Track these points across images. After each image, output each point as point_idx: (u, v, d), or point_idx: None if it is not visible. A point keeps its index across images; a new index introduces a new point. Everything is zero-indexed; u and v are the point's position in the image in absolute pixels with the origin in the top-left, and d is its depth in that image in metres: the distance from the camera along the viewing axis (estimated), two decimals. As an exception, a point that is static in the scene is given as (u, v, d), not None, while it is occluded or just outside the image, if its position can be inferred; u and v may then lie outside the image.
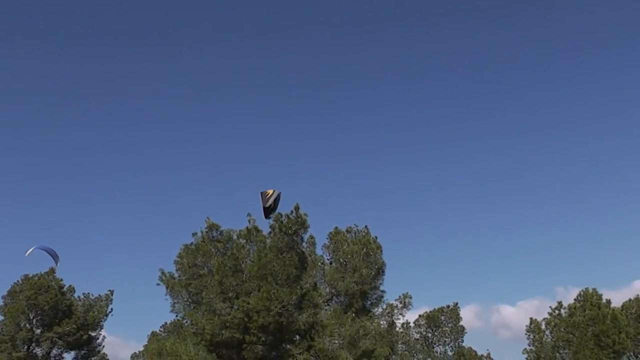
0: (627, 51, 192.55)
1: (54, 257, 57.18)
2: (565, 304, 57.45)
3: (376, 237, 43.66)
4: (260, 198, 35.96)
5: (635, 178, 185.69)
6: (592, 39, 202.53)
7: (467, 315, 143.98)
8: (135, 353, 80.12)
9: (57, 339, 57.38)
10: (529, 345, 57.91)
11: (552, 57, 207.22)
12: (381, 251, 42.77)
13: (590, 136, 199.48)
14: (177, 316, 42.06)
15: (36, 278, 57.37)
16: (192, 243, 37.73)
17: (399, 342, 67.66)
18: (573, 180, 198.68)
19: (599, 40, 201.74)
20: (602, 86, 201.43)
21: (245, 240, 37.19)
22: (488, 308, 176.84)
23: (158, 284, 38.27)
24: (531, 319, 58.67)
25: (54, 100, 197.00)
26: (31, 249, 55.76)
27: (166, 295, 38.38)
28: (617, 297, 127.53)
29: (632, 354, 57.54)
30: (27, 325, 57.08)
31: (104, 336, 63.14)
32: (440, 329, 73.41)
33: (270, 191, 35.33)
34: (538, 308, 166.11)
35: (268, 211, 37.46)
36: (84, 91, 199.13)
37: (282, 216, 36.59)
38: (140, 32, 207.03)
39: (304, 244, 39.23)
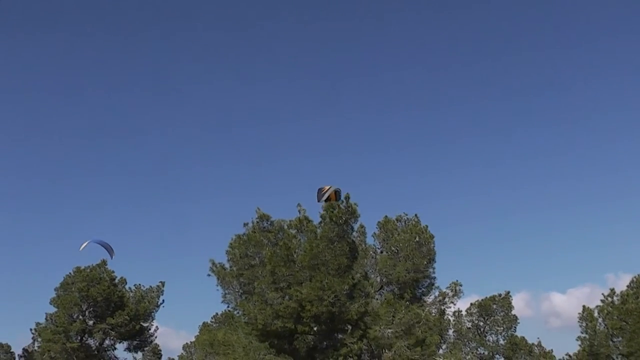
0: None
1: (109, 250, 57.69)
2: (617, 291, 56.70)
3: (427, 226, 43.61)
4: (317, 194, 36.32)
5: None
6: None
7: (517, 304, 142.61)
8: (187, 343, 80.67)
9: (109, 330, 58.03)
10: (582, 333, 57.28)
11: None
12: (433, 240, 42.69)
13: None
14: (228, 307, 42.26)
15: (88, 270, 58.00)
16: (243, 234, 37.87)
17: (451, 331, 67.46)
18: (619, 164, 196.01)
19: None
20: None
21: (296, 231, 37.22)
22: (538, 296, 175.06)
23: (209, 275, 38.54)
24: (584, 306, 57.95)
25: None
26: (85, 243, 56.32)
27: (217, 286, 38.65)
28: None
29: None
30: (80, 316, 57.86)
31: (156, 327, 63.72)
32: (492, 318, 72.74)
33: (327, 187, 35.48)
34: (589, 295, 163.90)
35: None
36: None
37: (332, 206, 36.54)
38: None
39: (354, 234, 39.15)
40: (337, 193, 38.23)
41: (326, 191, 35.42)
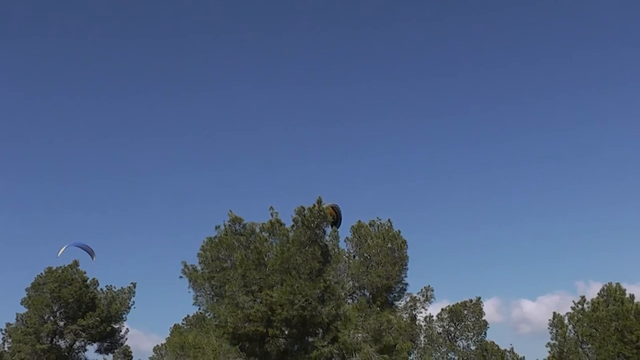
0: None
1: (89, 252, 57.42)
2: (587, 299, 57.04)
3: (399, 231, 43.72)
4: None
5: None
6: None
7: (488, 310, 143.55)
8: (157, 346, 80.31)
9: (80, 332, 57.73)
10: (552, 340, 57.55)
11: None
12: (406, 246, 42.84)
13: (610, 127, 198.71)
14: (199, 309, 42.18)
15: (60, 271, 57.69)
16: (215, 236, 37.76)
17: (422, 336, 67.59)
18: (591, 174, 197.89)
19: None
20: None
21: (268, 234, 37.13)
22: (508, 303, 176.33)
23: (180, 277, 38.34)
24: (554, 313, 58.20)
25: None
26: (63, 249, 55.99)
27: (189, 288, 38.46)
28: (638, 292, 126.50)
29: (656, 349, 57.10)
30: (51, 317, 57.48)
31: (127, 329, 63.59)
32: (462, 323, 72.98)
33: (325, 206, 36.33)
34: (559, 303, 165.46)
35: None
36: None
37: (304, 209, 36.53)
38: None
39: (326, 237, 39.17)
40: (335, 209, 39.21)
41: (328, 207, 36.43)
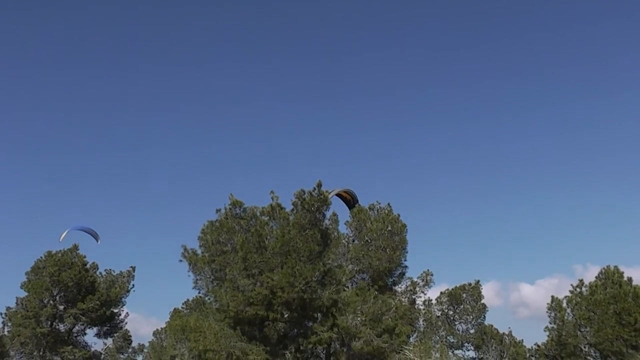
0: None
1: (94, 235, 57.42)
2: (586, 282, 57.13)
3: (399, 215, 43.78)
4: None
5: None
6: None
7: (487, 293, 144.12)
8: (157, 329, 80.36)
9: (80, 315, 57.77)
10: (550, 324, 57.67)
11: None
12: (406, 229, 42.90)
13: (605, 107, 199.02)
14: (199, 293, 42.20)
15: (60, 255, 57.60)
16: (216, 220, 37.79)
17: (421, 319, 67.67)
18: (589, 162, 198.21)
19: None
20: None
21: (268, 217, 37.17)
22: (507, 286, 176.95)
23: (181, 261, 38.38)
24: (552, 297, 58.27)
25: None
26: (64, 233, 55.94)
27: (189, 272, 38.49)
28: (637, 275, 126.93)
29: (653, 331, 57.27)
30: (51, 301, 57.48)
31: (126, 313, 63.66)
32: (461, 307, 73.03)
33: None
34: (557, 286, 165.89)
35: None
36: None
37: (304, 193, 36.58)
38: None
39: (326, 221, 39.22)
40: (349, 193, 39.94)
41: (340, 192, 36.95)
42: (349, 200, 45.38)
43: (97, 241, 59.04)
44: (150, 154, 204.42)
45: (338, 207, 40.62)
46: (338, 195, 46.64)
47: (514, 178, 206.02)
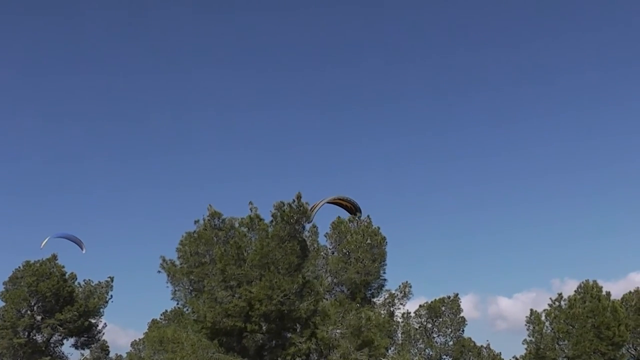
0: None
1: (78, 242, 56.96)
2: (565, 296, 57.50)
3: (379, 228, 43.82)
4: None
5: (629, 174, 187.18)
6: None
7: (465, 306, 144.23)
8: (135, 340, 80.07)
9: (58, 326, 57.45)
10: (529, 337, 57.97)
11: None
12: (385, 242, 42.97)
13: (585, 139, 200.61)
14: (177, 304, 42.05)
15: (38, 264, 57.31)
16: (194, 231, 37.69)
17: (399, 332, 67.76)
18: (567, 176, 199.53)
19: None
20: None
21: (247, 229, 37.12)
22: (485, 299, 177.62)
23: (159, 272, 38.21)
24: (531, 310, 58.72)
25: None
26: (46, 240, 55.51)
27: (167, 283, 38.31)
28: (614, 289, 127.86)
29: (631, 345, 57.70)
30: (29, 311, 57.13)
31: (104, 323, 63.35)
32: (440, 320, 73.22)
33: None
34: (535, 300, 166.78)
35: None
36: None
37: (284, 205, 36.54)
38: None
39: (306, 233, 39.17)
40: (351, 202, 40.19)
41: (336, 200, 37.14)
42: (350, 207, 45.40)
43: (82, 250, 58.63)
44: (128, 162, 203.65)
45: (329, 216, 40.69)
46: (336, 203, 46.59)
47: (493, 192, 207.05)
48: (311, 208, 37.59)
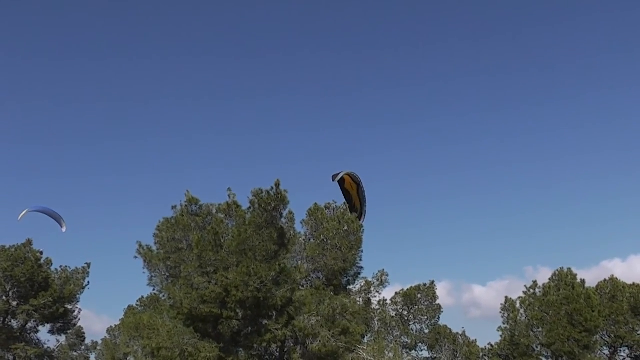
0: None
1: (57, 219, 56.00)
2: (539, 284, 57.99)
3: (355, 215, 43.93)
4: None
5: (601, 164, 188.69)
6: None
7: (440, 293, 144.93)
8: (111, 327, 79.93)
9: (33, 312, 57.01)
10: (504, 324, 58.47)
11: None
12: (362, 229, 43.04)
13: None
14: (154, 290, 41.92)
15: (13, 249, 56.76)
16: (171, 217, 37.65)
17: (376, 319, 67.96)
18: (540, 164, 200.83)
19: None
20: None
21: (224, 215, 37.15)
22: (460, 287, 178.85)
23: (135, 257, 38.15)
24: (506, 297, 59.25)
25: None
26: (24, 212, 54.69)
27: (143, 269, 38.26)
28: (587, 277, 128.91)
29: (604, 332, 58.33)
30: (4, 297, 56.69)
31: (80, 309, 62.99)
32: (416, 307, 73.57)
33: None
34: (508, 287, 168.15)
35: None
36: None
37: (262, 192, 36.55)
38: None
39: (283, 220, 39.22)
40: (352, 177, 40.73)
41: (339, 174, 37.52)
42: (353, 206, 46.06)
43: (62, 227, 57.74)
44: (104, 146, 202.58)
45: (295, 206, 40.60)
46: (347, 192, 47.26)
47: (466, 179, 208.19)
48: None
